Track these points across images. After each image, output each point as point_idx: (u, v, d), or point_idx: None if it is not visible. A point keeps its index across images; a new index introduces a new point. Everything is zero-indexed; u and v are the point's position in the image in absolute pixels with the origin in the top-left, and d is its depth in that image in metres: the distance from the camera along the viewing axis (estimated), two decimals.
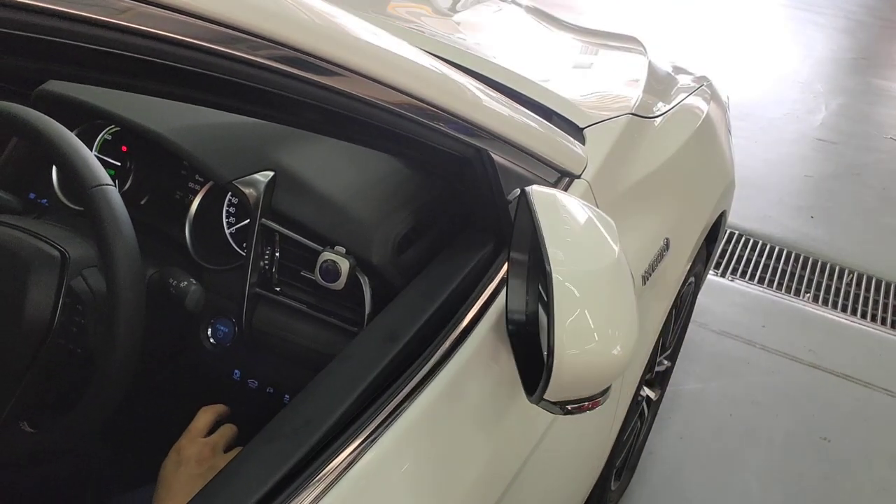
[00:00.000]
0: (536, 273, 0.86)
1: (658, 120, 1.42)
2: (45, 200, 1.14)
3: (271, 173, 0.99)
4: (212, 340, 1.03)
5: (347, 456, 0.69)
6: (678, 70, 1.84)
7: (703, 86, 1.77)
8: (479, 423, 0.85)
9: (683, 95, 1.62)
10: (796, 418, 2.28)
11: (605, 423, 1.27)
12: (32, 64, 0.52)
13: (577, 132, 1.23)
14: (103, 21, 0.50)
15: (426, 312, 0.85)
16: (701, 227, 1.48)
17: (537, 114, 1.09)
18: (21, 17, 0.47)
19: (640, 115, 1.36)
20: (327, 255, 0.94)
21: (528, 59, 1.54)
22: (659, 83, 1.60)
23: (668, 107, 1.50)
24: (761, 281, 2.89)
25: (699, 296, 2.53)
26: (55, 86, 1.06)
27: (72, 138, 0.88)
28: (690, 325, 2.50)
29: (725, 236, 3.10)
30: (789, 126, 4.16)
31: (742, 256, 3.02)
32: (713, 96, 1.77)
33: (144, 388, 0.97)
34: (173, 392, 1.05)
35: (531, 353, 0.83)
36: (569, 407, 0.75)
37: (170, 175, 1.12)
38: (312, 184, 0.98)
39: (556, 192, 0.85)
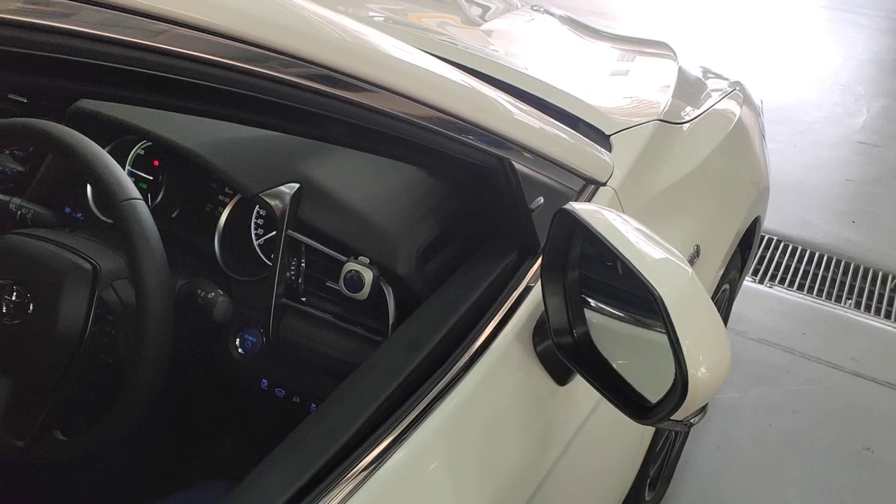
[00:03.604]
0: (595, 290, 0.86)
1: (687, 125, 1.41)
2: (79, 214, 1.17)
3: (297, 185, 1.00)
4: (240, 350, 1.04)
5: (371, 460, 0.69)
6: (710, 74, 1.83)
7: (735, 90, 1.75)
8: (501, 432, 0.85)
9: (714, 100, 1.60)
10: (838, 428, 2.23)
11: (633, 434, 1.26)
12: (77, 85, 0.54)
13: (603, 139, 1.23)
14: (143, 45, 0.52)
15: (449, 322, 0.85)
16: (733, 233, 1.46)
17: (563, 121, 1.09)
18: (66, 42, 0.49)
19: (669, 121, 1.35)
20: (351, 266, 0.94)
21: (556, 68, 1.54)
22: (689, 88, 1.59)
23: (697, 112, 1.49)
24: (801, 287, 2.84)
25: (736, 303, 2.50)
26: (88, 103, 1.09)
27: (103, 154, 0.90)
28: (728, 334, 2.47)
29: (763, 242, 3.06)
30: (829, 130, 4.08)
31: (781, 263, 2.97)
32: (745, 100, 1.75)
33: (173, 397, 0.99)
34: (202, 401, 1.07)
35: (598, 372, 0.83)
36: (690, 421, 0.75)
37: (200, 188, 1.14)
38: (337, 195, 0.99)
39: (603, 210, 0.83)
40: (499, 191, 0.91)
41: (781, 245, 3.07)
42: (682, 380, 0.70)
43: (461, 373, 0.82)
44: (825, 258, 3.00)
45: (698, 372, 0.70)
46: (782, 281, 2.87)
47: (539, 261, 0.94)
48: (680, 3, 6.12)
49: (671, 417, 0.74)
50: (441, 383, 0.80)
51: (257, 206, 1.08)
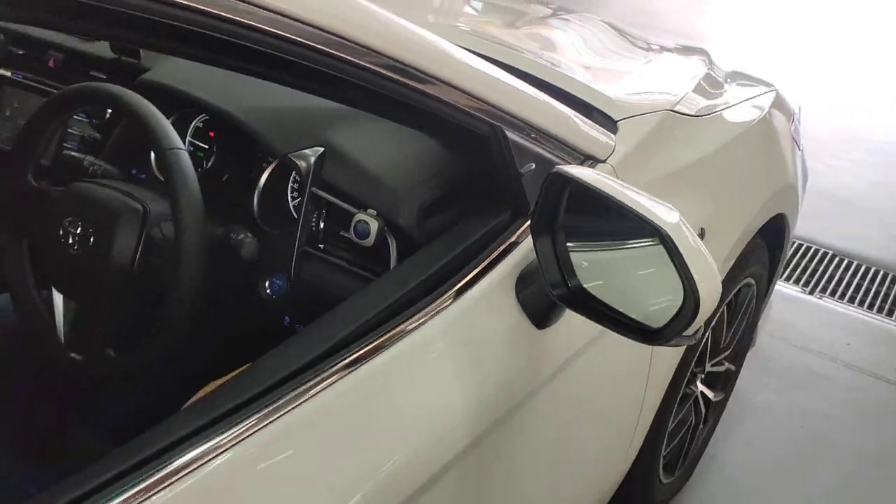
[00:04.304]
0: (583, 243, 0.98)
1: (702, 118, 1.50)
2: (143, 175, 1.35)
3: (321, 149, 1.15)
4: (269, 291, 1.20)
5: (346, 364, 0.83)
6: (744, 78, 1.90)
7: (765, 94, 1.82)
8: (477, 360, 0.97)
9: (738, 99, 1.68)
10: (873, 435, 2.24)
11: (627, 397, 1.35)
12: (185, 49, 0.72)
13: (611, 124, 1.33)
14: (247, 24, 0.72)
15: (436, 265, 0.98)
16: (744, 223, 1.54)
17: (575, 107, 1.21)
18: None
19: (680, 112, 1.44)
20: (360, 216, 1.09)
21: (582, 63, 1.65)
22: (713, 87, 1.67)
23: (716, 108, 1.57)
24: (851, 300, 2.84)
25: (782, 312, 2.53)
26: (153, 77, 1.28)
27: (156, 111, 1.07)
28: (769, 339, 2.50)
29: (817, 256, 3.06)
30: None
31: (834, 276, 2.96)
32: (775, 104, 1.81)
33: (211, 329, 1.15)
34: (234, 334, 1.22)
35: (607, 316, 0.95)
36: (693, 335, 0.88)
37: (247, 157, 1.30)
38: (354, 158, 1.14)
39: (593, 171, 0.95)
40: (491, 156, 1.03)
41: (836, 259, 3.06)
42: (693, 300, 0.83)
43: (442, 305, 0.94)
44: (881, 273, 2.99)
45: (705, 291, 0.82)
46: (833, 293, 2.87)
47: (528, 221, 1.05)
48: (766, 22, 6.09)
49: (683, 334, 0.87)
50: (422, 312, 0.92)
51: (293, 172, 1.24)
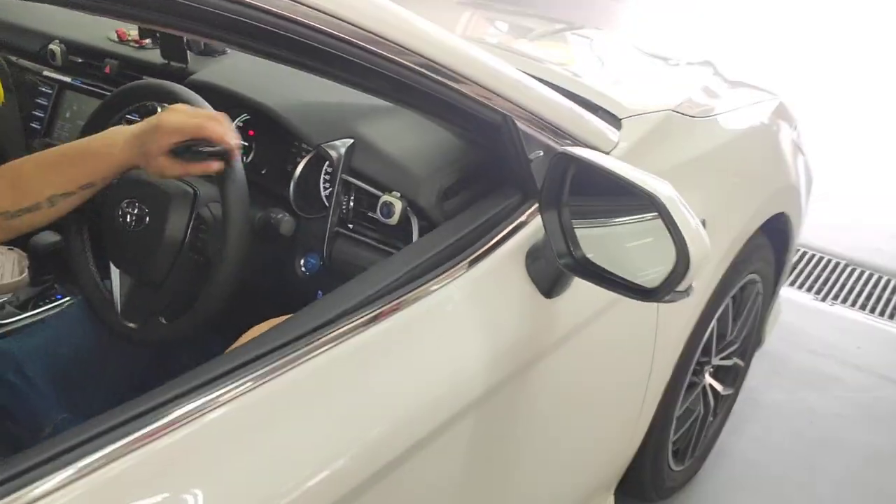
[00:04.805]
0: (584, 217, 1.09)
1: (703, 119, 1.61)
2: None
3: (351, 140, 1.28)
4: (303, 269, 1.32)
5: (364, 322, 0.95)
6: (747, 87, 2.02)
7: (767, 101, 1.93)
8: (490, 322, 1.08)
9: (740, 104, 1.80)
10: (881, 433, 2.31)
11: (632, 369, 1.45)
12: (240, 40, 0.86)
13: (615, 121, 1.45)
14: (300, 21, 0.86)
15: (451, 240, 1.10)
16: (743, 218, 1.64)
17: (583, 106, 1.34)
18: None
19: (682, 113, 1.56)
20: (386, 198, 1.21)
21: (588, 69, 1.78)
22: (716, 92, 1.79)
23: (718, 111, 1.69)
24: (863, 307, 2.91)
25: (794, 318, 2.62)
26: (200, 77, 1.43)
27: (206, 105, 1.21)
28: (780, 343, 2.58)
29: (829, 265, 3.14)
30: None
31: (846, 284, 3.04)
32: (777, 110, 1.93)
33: (251, 301, 1.27)
34: (271, 305, 1.35)
35: (607, 279, 1.07)
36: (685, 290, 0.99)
37: (282, 151, 1.44)
38: (380, 147, 1.27)
39: (594, 151, 1.08)
40: (503, 143, 1.16)
41: (849, 269, 3.14)
42: (685, 257, 0.95)
43: (457, 274, 1.06)
44: (892, 282, 3.05)
45: (695, 249, 0.94)
46: (845, 300, 2.94)
47: (536, 203, 1.17)
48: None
49: (676, 289, 0.98)
50: (438, 279, 1.04)
51: (326, 163, 1.37)
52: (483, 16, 2.31)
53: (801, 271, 3.10)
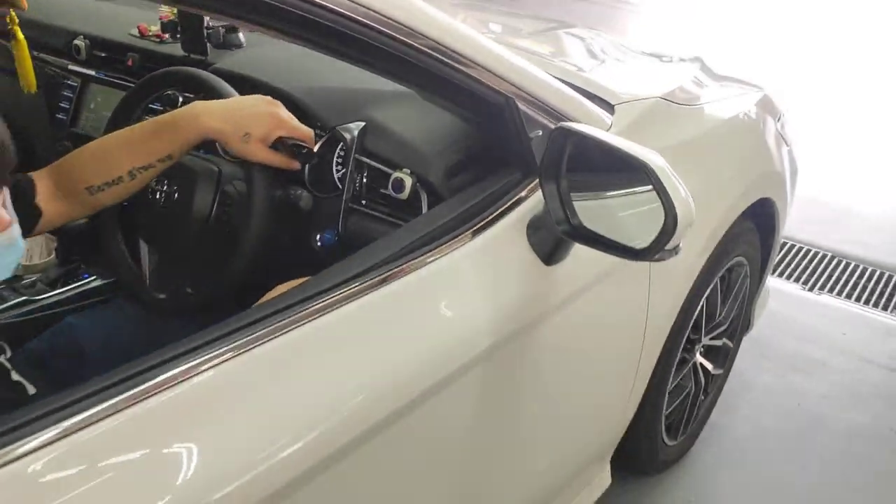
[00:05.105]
0: (595, 188, 1.18)
1: (689, 107, 1.72)
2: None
3: (363, 123, 1.38)
4: (319, 244, 1.42)
5: (376, 283, 1.04)
6: (734, 81, 2.13)
7: (752, 93, 2.04)
8: (493, 285, 1.18)
9: (725, 95, 1.91)
10: (865, 412, 2.41)
11: (625, 340, 1.55)
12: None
13: (608, 106, 1.55)
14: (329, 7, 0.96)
15: (457, 212, 1.19)
16: (728, 200, 1.74)
17: (580, 93, 1.44)
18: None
19: (670, 101, 1.66)
20: (397, 174, 1.31)
21: (583, 62, 1.89)
22: (703, 83, 1.90)
23: (705, 99, 1.80)
24: (849, 297, 3.02)
25: (782, 306, 2.72)
26: (221, 65, 1.53)
27: (231, 90, 1.30)
28: (769, 330, 2.69)
29: (816, 257, 3.25)
30: None
31: (832, 275, 3.15)
32: (761, 101, 2.03)
33: (270, 274, 1.37)
34: (289, 278, 1.44)
35: (602, 242, 1.16)
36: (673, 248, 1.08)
37: None
38: (390, 129, 1.37)
39: (592, 127, 1.18)
40: (505, 123, 1.25)
41: (835, 260, 3.24)
42: (673, 217, 1.04)
43: (461, 243, 1.16)
44: (877, 273, 3.16)
45: (681, 210, 1.04)
46: (831, 290, 3.05)
47: (536, 179, 1.27)
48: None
49: (666, 247, 1.07)
50: (443, 247, 1.13)
51: (339, 146, 1.46)
52: (478, 17, 2.42)
53: (789, 263, 3.21)
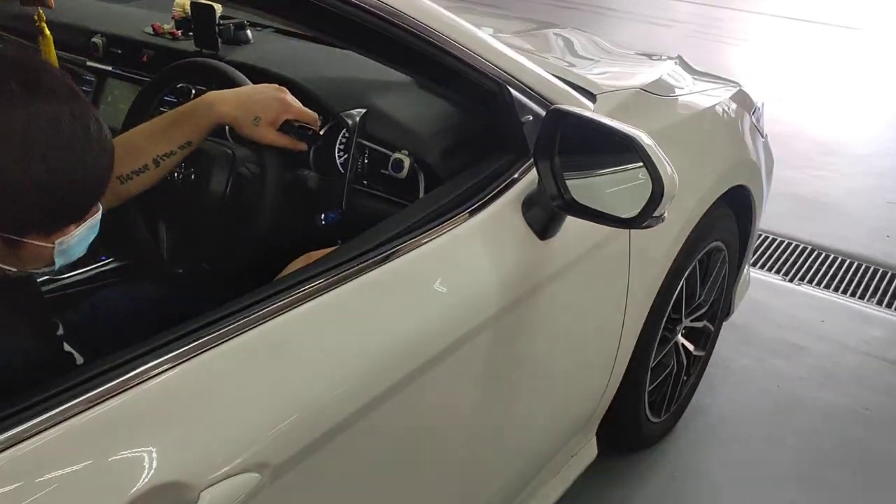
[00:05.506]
0: (587, 167, 1.29)
1: (666, 98, 1.84)
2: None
3: (364, 110, 1.50)
4: (323, 222, 1.53)
5: (380, 259, 1.15)
6: (711, 76, 2.25)
7: (727, 87, 2.17)
8: (488, 257, 1.29)
9: (702, 88, 2.03)
10: (841, 393, 2.52)
11: (609, 315, 1.67)
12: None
13: (591, 96, 1.67)
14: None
15: (455, 193, 1.31)
16: (704, 185, 1.86)
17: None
18: None
19: (649, 92, 1.79)
20: (396, 155, 1.43)
21: (568, 58, 2.01)
22: (680, 77, 2.02)
23: (681, 91, 1.92)
24: (827, 287, 3.14)
25: (764, 296, 2.84)
26: (232, 58, 1.65)
27: (245, 79, 1.42)
28: (750, 318, 2.80)
29: (797, 250, 3.38)
30: (879, 161, 4.36)
31: (811, 267, 3.27)
32: (736, 95, 2.16)
33: (278, 251, 1.48)
34: (296, 255, 1.56)
35: (592, 213, 1.27)
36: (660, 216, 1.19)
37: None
38: (390, 114, 1.49)
39: (584, 109, 1.30)
40: (499, 109, 1.37)
41: (815, 253, 3.37)
42: (659, 187, 1.16)
43: (459, 222, 1.27)
44: (855, 264, 3.29)
45: (666, 180, 1.16)
46: (811, 281, 3.17)
47: (528, 161, 1.38)
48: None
49: (653, 215, 1.19)
50: (442, 226, 1.25)
51: (342, 132, 1.58)
52: (468, 18, 2.55)
53: (770, 256, 3.34)
